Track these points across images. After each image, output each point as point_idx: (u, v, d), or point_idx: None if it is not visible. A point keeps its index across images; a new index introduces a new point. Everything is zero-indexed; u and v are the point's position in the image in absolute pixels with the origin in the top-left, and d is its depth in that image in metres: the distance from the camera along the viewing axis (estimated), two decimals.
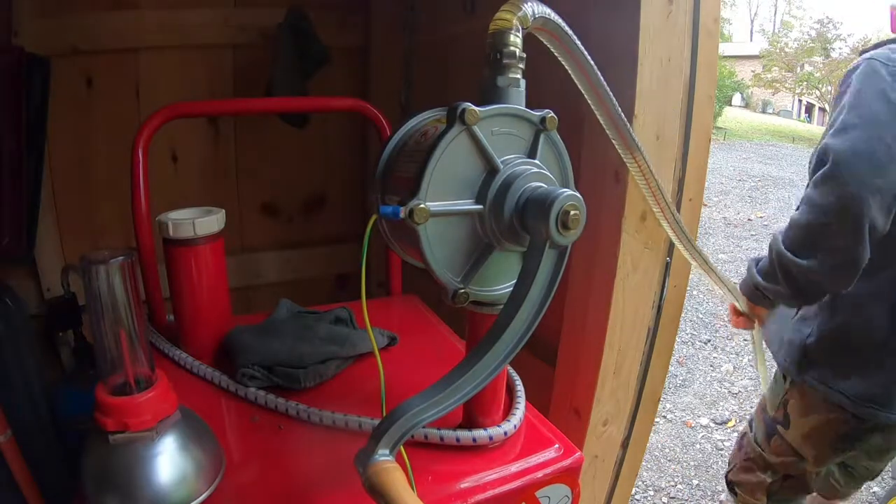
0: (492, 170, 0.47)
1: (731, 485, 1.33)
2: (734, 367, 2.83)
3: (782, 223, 1.04)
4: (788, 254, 0.94)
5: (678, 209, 0.86)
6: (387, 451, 0.42)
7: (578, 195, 0.44)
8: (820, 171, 0.90)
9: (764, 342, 1.21)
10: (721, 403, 2.54)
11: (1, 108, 0.92)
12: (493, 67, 0.49)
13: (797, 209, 0.97)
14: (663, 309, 0.89)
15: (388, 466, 0.41)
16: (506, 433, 0.59)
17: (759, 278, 1.03)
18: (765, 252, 1.06)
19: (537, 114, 0.49)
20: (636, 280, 0.84)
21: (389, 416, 0.43)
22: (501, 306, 0.53)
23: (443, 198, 0.46)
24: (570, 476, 0.59)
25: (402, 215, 0.44)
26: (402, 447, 0.47)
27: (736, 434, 2.31)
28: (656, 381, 0.95)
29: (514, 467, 0.57)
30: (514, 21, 0.48)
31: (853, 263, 0.89)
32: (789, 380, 1.12)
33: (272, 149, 1.38)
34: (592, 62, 0.61)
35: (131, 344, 0.47)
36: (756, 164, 8.36)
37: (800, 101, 18.43)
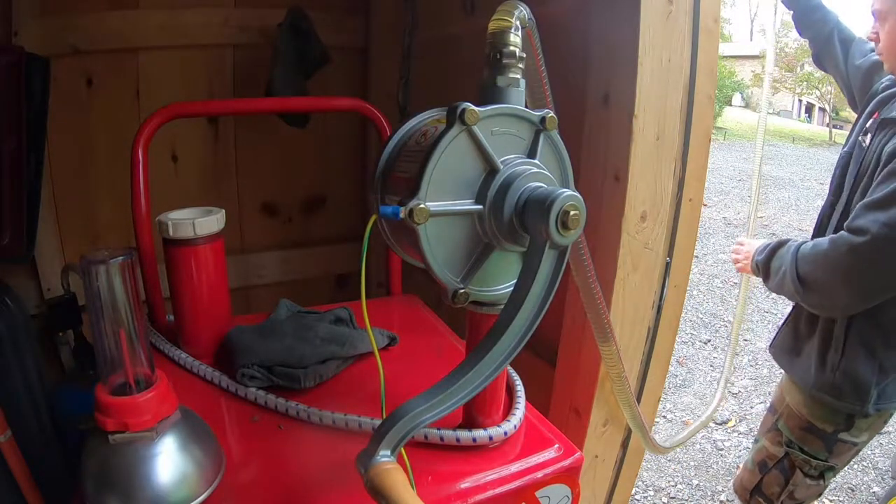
0: (492, 170, 0.47)
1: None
2: (734, 367, 2.83)
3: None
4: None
5: (678, 209, 0.86)
6: (388, 453, 0.42)
7: (578, 195, 0.44)
8: (856, 241, 0.95)
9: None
10: (721, 403, 2.54)
11: (1, 108, 0.92)
12: (492, 67, 0.49)
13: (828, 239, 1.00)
14: (663, 309, 0.89)
15: (390, 467, 0.41)
16: (506, 433, 0.59)
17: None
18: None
19: (537, 114, 0.49)
20: (636, 280, 0.84)
21: (391, 418, 0.43)
22: (501, 306, 0.53)
23: (443, 198, 0.46)
24: (570, 476, 0.59)
25: (401, 215, 0.44)
26: (402, 448, 0.47)
27: (736, 434, 2.31)
28: (656, 381, 0.95)
29: (514, 467, 0.57)
30: (514, 21, 0.48)
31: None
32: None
33: (272, 149, 1.38)
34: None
35: (131, 344, 0.47)
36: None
37: (800, 101, 18.41)
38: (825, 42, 1.32)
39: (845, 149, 1.17)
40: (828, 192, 1.20)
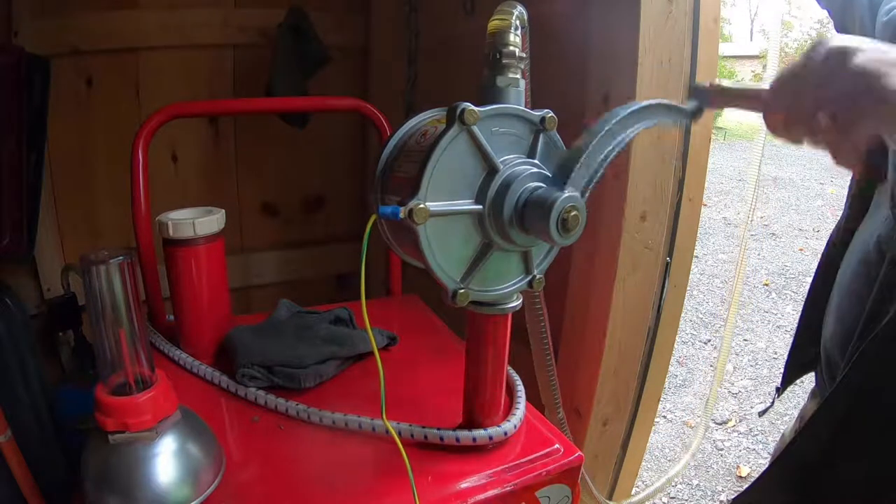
0: (491, 170, 0.47)
1: None
2: (734, 367, 2.83)
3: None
4: None
5: (678, 209, 0.86)
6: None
7: (578, 196, 0.44)
8: None
9: None
10: (721, 403, 2.54)
11: (1, 108, 0.92)
12: (492, 67, 0.49)
13: None
14: (663, 309, 0.89)
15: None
16: (506, 433, 0.59)
17: None
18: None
19: (537, 114, 0.49)
20: (636, 280, 0.84)
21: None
22: (501, 306, 0.53)
23: (442, 198, 0.46)
24: (570, 476, 0.59)
25: (401, 215, 0.44)
26: (402, 447, 0.48)
27: (736, 434, 2.31)
28: (656, 381, 0.95)
29: (514, 467, 0.57)
30: (513, 20, 0.48)
31: None
32: None
33: (272, 149, 1.38)
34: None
35: (131, 344, 0.47)
36: None
37: None
38: (845, 4, 0.85)
39: None
40: (845, 205, 0.77)
